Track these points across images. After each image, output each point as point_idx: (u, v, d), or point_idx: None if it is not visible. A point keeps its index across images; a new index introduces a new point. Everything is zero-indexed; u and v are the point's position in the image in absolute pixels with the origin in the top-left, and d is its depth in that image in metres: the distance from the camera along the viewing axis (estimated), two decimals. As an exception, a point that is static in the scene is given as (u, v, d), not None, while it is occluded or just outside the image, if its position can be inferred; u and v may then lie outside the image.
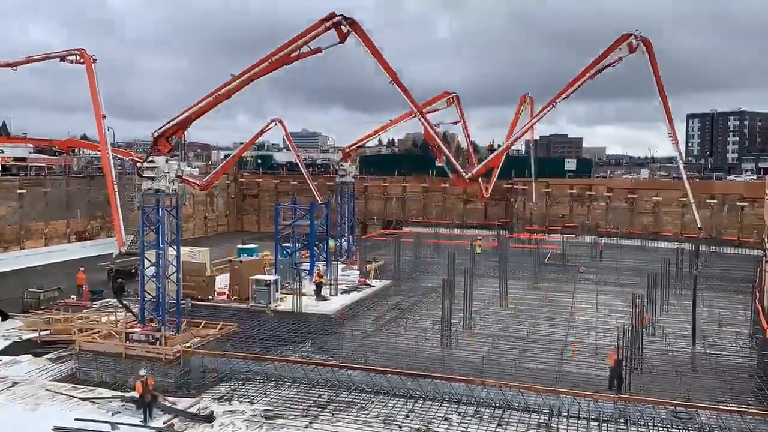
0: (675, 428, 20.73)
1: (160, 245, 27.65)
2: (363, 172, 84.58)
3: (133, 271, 42.47)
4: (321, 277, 38.01)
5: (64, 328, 31.03)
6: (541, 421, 21.48)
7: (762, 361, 26.88)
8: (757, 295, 38.10)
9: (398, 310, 37.37)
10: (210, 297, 36.79)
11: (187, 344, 26.69)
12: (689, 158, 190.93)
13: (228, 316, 32.22)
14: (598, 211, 75.16)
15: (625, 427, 21.06)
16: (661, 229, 70.99)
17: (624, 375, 23.86)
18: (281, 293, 36.25)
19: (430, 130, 39.33)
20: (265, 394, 24.02)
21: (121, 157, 63.22)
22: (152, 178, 27.35)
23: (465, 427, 21.09)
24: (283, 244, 42.34)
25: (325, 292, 37.43)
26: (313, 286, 37.90)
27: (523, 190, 77.63)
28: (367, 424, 21.23)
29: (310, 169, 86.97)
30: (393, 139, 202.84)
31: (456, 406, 22.68)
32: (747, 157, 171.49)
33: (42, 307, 35.60)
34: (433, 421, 21.51)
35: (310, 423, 21.23)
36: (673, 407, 21.54)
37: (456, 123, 65.21)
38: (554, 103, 41.00)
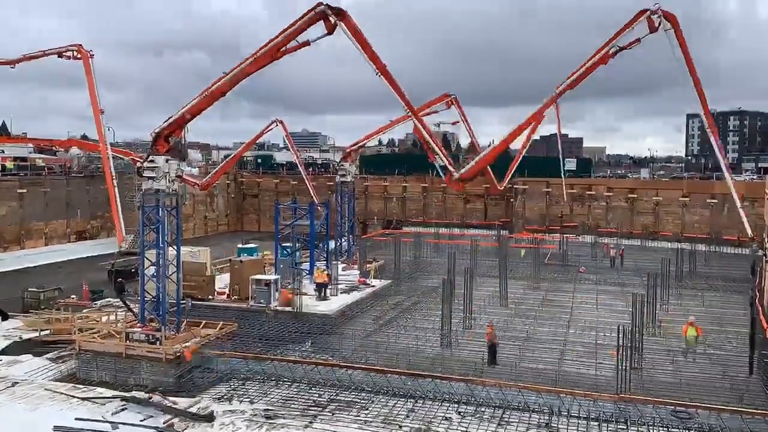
0: (675, 428, 20.72)
1: (160, 245, 27.65)
2: (363, 172, 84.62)
3: (133, 270, 42.46)
4: (324, 275, 37.72)
5: (64, 328, 31.06)
6: (541, 421, 21.48)
7: (762, 361, 26.86)
8: (757, 294, 38.10)
9: (398, 310, 37.37)
10: (210, 297, 36.81)
11: (188, 343, 26.68)
12: (689, 158, 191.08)
13: (228, 316, 32.23)
14: (598, 211, 75.17)
15: (625, 427, 21.06)
16: (661, 229, 70.99)
17: (496, 352, 25.50)
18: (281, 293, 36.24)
19: (419, 126, 36.94)
20: (265, 393, 24.02)
21: (121, 156, 63.32)
22: (152, 178, 27.36)
23: (465, 427, 21.09)
24: (283, 244, 42.33)
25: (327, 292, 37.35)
26: (314, 286, 37.88)
27: (523, 189, 77.64)
28: (367, 423, 21.22)
29: (310, 169, 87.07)
30: (393, 139, 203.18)
31: (456, 406, 22.68)
32: (747, 157, 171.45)
33: (42, 307, 35.60)
34: (433, 421, 21.51)
35: (310, 423, 21.22)
36: (673, 407, 21.55)
37: (456, 123, 65.35)
38: (560, 91, 36.25)
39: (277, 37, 28.46)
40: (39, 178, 61.68)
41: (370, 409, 22.46)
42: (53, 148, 73.66)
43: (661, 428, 20.86)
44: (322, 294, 37.10)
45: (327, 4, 29.03)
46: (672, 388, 24.15)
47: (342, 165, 54.03)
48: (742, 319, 35.28)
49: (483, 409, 22.30)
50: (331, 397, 23.53)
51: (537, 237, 64.81)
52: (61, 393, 23.87)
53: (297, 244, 42.33)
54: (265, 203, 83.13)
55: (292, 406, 22.78)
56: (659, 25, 34.01)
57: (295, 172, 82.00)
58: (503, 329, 32.93)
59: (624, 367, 22.94)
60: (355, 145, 55.78)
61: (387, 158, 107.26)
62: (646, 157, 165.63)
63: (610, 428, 21.02)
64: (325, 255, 43.81)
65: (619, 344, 23.24)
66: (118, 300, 33.75)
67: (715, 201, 68.91)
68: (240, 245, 49.81)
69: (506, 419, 21.63)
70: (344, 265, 47.14)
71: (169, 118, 27.79)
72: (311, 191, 70.81)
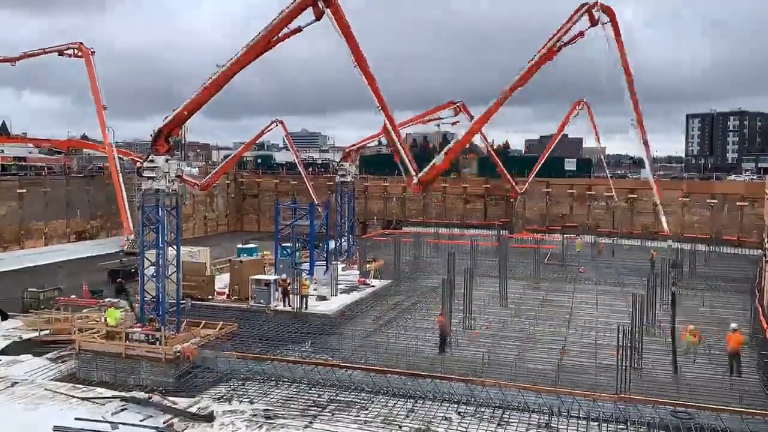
0: (675, 428, 20.71)
1: (160, 245, 27.63)
2: (363, 172, 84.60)
3: (133, 270, 42.45)
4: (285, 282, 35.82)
5: (64, 328, 31.04)
6: (541, 421, 21.47)
7: (762, 361, 26.87)
8: (757, 295, 38.13)
9: (398, 310, 37.36)
10: (210, 297, 36.80)
11: (189, 343, 26.66)
12: (689, 158, 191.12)
13: (228, 316, 32.23)
14: (598, 211, 75.19)
15: (624, 427, 21.05)
16: (661, 230, 70.93)
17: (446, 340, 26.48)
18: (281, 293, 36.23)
19: (389, 126, 36.14)
20: (265, 393, 24.01)
21: (121, 157, 63.34)
22: (152, 178, 27.34)
23: (465, 427, 21.08)
24: (283, 244, 42.32)
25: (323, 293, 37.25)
26: (313, 288, 37.79)
27: (523, 190, 77.60)
28: (367, 423, 21.20)
29: (310, 169, 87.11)
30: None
31: (456, 406, 22.67)
32: (747, 156, 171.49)
33: (42, 307, 35.58)
34: (432, 421, 21.49)
35: (310, 423, 21.21)
36: (673, 407, 21.54)
37: (455, 124, 65.34)
38: (510, 89, 36.24)
39: (269, 25, 28.39)
40: (39, 178, 61.68)
41: (369, 409, 22.45)
42: (53, 148, 73.64)
43: (661, 428, 20.84)
44: (304, 304, 35.23)
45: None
46: (672, 388, 24.15)
47: (342, 165, 54.03)
48: (742, 319, 35.26)
49: (483, 409, 22.28)
50: (331, 397, 23.51)
51: (537, 237, 64.84)
52: (61, 393, 23.86)
53: (297, 244, 42.32)
54: (264, 203, 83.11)
55: (292, 406, 22.76)
56: (599, 18, 34.43)
57: (295, 172, 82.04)
58: (503, 329, 32.95)
59: (624, 367, 22.95)
60: (355, 145, 55.79)
61: (387, 158, 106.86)
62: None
63: (610, 428, 21.00)
64: (325, 255, 43.79)
65: (619, 344, 23.24)
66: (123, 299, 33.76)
67: (715, 201, 68.95)
68: (240, 245, 49.82)
69: (506, 419, 21.61)
70: (344, 265, 47.13)
71: (167, 116, 27.76)
72: (311, 191, 70.84)
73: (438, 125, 69.00)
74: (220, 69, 27.75)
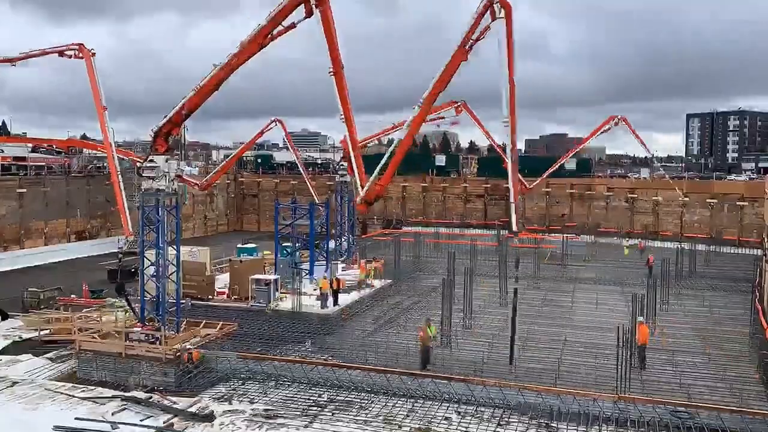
0: (675, 428, 20.72)
1: (160, 245, 27.63)
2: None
3: (132, 270, 42.42)
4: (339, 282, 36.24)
5: (64, 328, 31.04)
6: (541, 421, 21.47)
7: (762, 361, 26.87)
8: (757, 294, 38.12)
9: (398, 309, 37.36)
10: (210, 297, 36.79)
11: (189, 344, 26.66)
12: (689, 158, 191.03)
13: (228, 316, 32.23)
14: (598, 211, 75.22)
15: (625, 427, 21.05)
16: (661, 229, 71.02)
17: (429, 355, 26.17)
18: (281, 293, 36.27)
19: (348, 140, 35.84)
20: (265, 393, 24.01)
21: (121, 157, 63.29)
22: (152, 178, 27.33)
23: (465, 427, 21.08)
24: (283, 244, 42.33)
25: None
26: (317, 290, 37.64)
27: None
28: (367, 423, 21.21)
29: (310, 169, 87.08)
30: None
31: (456, 406, 22.67)
32: (747, 156, 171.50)
33: (42, 307, 35.58)
34: (432, 421, 21.49)
35: (310, 422, 21.21)
36: (673, 407, 21.54)
37: (455, 124, 65.56)
38: (431, 93, 36.65)
39: (263, 22, 28.34)
40: (39, 178, 61.66)
41: (369, 409, 22.45)
42: (53, 147, 73.62)
43: (661, 428, 20.85)
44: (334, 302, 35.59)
45: None
46: (672, 388, 24.16)
47: (342, 165, 53.98)
48: (742, 319, 35.29)
49: (483, 409, 22.29)
50: (331, 397, 23.52)
51: (537, 237, 64.85)
52: (61, 393, 23.86)
53: (297, 244, 42.33)
54: (264, 203, 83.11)
55: (292, 406, 22.76)
56: (499, 12, 34.22)
57: (295, 172, 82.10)
58: (503, 329, 32.92)
59: (625, 366, 22.96)
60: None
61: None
62: (646, 157, 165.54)
63: (610, 428, 21.00)
64: (325, 255, 43.78)
65: (618, 344, 23.24)
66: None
67: (715, 201, 68.97)
68: (240, 245, 49.81)
69: (506, 419, 21.61)
70: (344, 265, 47.12)
71: (165, 116, 27.77)
72: (311, 190, 70.87)
73: (438, 125, 69.20)
74: (216, 68, 27.75)
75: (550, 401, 22.26)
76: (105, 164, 63.99)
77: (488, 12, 34.22)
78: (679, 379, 24.89)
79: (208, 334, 28.35)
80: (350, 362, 26.23)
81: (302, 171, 75.44)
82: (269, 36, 28.61)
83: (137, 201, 29.05)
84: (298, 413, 22.02)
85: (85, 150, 73.92)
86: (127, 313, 30.30)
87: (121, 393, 23.78)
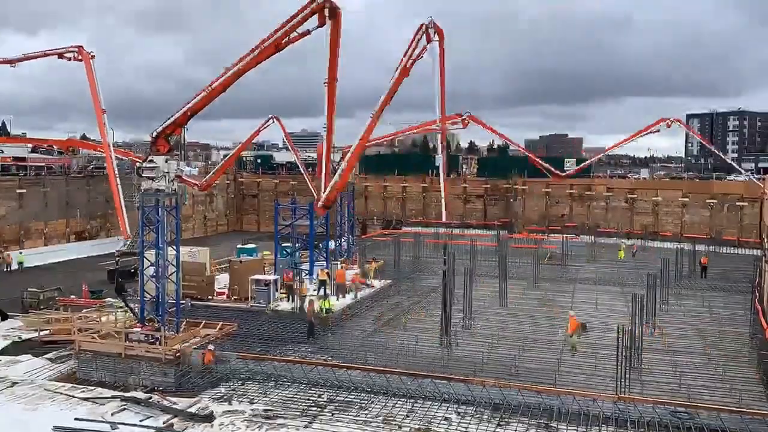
0: (675, 428, 20.71)
1: (160, 245, 27.62)
2: (363, 172, 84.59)
3: (132, 270, 42.42)
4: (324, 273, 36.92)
5: (64, 328, 31.03)
6: (541, 421, 21.46)
7: (762, 361, 26.87)
8: (757, 294, 38.11)
9: (398, 309, 37.35)
10: (209, 297, 36.77)
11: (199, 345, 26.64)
12: (689, 158, 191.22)
13: (228, 316, 32.22)
14: (598, 211, 75.22)
15: (625, 427, 21.04)
16: (661, 229, 71.02)
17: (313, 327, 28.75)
18: (281, 293, 36.25)
19: (324, 149, 37.90)
20: (264, 394, 24.00)
21: (121, 157, 63.30)
22: (152, 178, 27.32)
23: (465, 427, 21.08)
24: (283, 244, 42.31)
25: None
26: (312, 288, 37.70)
27: (523, 190, 77.69)
28: (367, 423, 21.21)
29: (310, 169, 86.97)
30: (393, 139, 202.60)
31: (456, 406, 22.66)
32: (747, 157, 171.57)
33: (41, 307, 35.58)
34: (432, 421, 21.49)
35: (310, 423, 21.21)
36: (673, 407, 21.54)
37: (455, 124, 65.74)
38: (380, 108, 40.23)
39: (279, 29, 28.40)
40: (38, 178, 61.64)
41: (369, 409, 22.44)
42: (53, 148, 73.63)
43: (660, 428, 20.84)
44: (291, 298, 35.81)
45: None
46: (672, 388, 24.15)
47: (342, 165, 53.89)
48: (741, 319, 35.30)
49: (483, 410, 22.28)
50: (331, 397, 23.52)
51: (537, 237, 64.86)
52: (61, 393, 23.86)
53: (297, 244, 42.31)
54: (264, 203, 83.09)
55: (292, 406, 22.76)
56: (434, 35, 38.95)
57: (295, 172, 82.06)
58: (502, 329, 32.94)
59: (624, 366, 22.95)
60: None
61: (387, 158, 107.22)
62: (646, 157, 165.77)
63: (609, 428, 21.00)
64: (324, 255, 43.77)
65: (618, 344, 23.24)
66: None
67: (715, 201, 68.97)
68: (239, 245, 49.79)
69: (506, 419, 21.61)
70: (344, 265, 47.04)
71: (169, 117, 27.73)
72: (312, 190, 70.72)
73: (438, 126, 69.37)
74: (226, 71, 27.76)
75: (550, 401, 22.26)
76: (105, 164, 63.96)
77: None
78: (679, 380, 24.87)
79: (208, 335, 28.35)
80: (350, 362, 26.22)
81: (302, 171, 75.38)
82: (285, 41, 28.70)
83: (137, 201, 29.02)
84: (298, 413, 22.03)
85: (84, 150, 73.92)
86: (127, 314, 30.32)
87: (121, 393, 23.79)
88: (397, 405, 22.74)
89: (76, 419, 21.18)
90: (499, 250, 46.98)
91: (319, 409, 22.39)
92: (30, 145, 71.01)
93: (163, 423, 21.17)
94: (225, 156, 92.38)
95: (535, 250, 52.15)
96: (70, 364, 27.39)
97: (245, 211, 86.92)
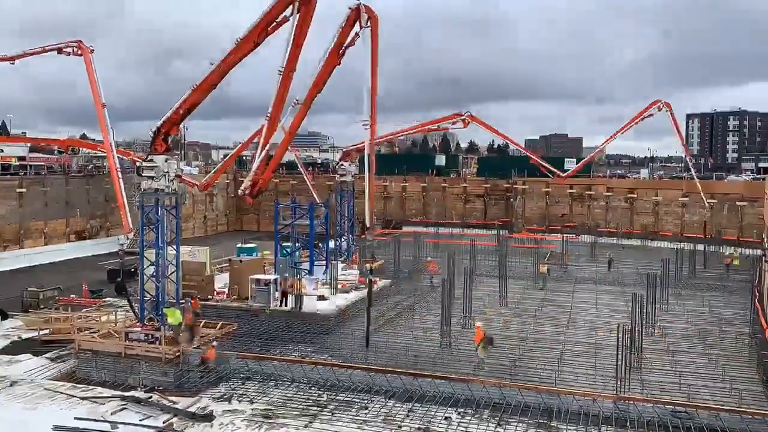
0: (674, 428, 20.71)
1: (160, 245, 27.59)
2: (363, 172, 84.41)
3: (132, 270, 42.42)
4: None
5: (64, 328, 31.01)
6: (541, 421, 21.46)
7: (762, 361, 26.88)
8: (757, 294, 38.13)
9: (398, 309, 37.34)
10: (209, 297, 36.74)
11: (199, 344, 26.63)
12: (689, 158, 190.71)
13: (228, 316, 32.21)
14: (598, 210, 75.22)
15: (624, 427, 21.04)
16: (661, 229, 71.02)
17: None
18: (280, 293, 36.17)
19: (263, 135, 36.84)
20: (264, 393, 23.99)
21: (122, 156, 63.27)
22: (151, 177, 27.30)
23: (465, 427, 21.07)
24: (283, 244, 42.30)
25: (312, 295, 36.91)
26: (312, 287, 37.66)
27: (523, 189, 77.67)
28: (367, 423, 21.20)
29: (310, 169, 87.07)
30: (393, 139, 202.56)
31: (456, 405, 22.65)
32: (747, 156, 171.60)
33: (41, 307, 35.56)
34: (432, 421, 21.49)
35: (310, 422, 21.21)
36: (672, 407, 21.54)
37: (455, 124, 65.80)
38: (307, 100, 37.81)
39: (254, 21, 27.97)
40: (39, 178, 61.60)
41: (369, 409, 22.44)
42: (54, 147, 73.57)
43: (660, 428, 20.84)
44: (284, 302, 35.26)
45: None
46: (672, 388, 24.15)
47: (342, 165, 53.97)
48: (741, 319, 35.31)
49: (483, 409, 22.28)
50: (331, 397, 23.51)
51: (537, 237, 64.86)
52: (61, 392, 23.85)
53: (297, 244, 42.29)
54: (264, 203, 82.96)
55: (292, 406, 22.75)
56: (367, 21, 36.04)
57: (295, 172, 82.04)
58: (502, 329, 32.93)
59: (624, 366, 22.95)
60: (355, 145, 55.68)
61: (387, 158, 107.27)
62: (646, 157, 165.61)
63: (609, 428, 20.99)
64: (324, 255, 43.76)
65: (618, 344, 23.24)
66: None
67: (715, 201, 68.94)
68: (239, 245, 49.76)
69: (506, 419, 21.61)
70: (344, 264, 47.08)
71: (164, 116, 27.70)
72: (311, 189, 70.83)
73: (438, 125, 69.42)
74: (213, 66, 27.62)
75: (550, 401, 22.26)
76: (104, 164, 63.96)
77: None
78: (679, 379, 24.89)
79: (208, 334, 28.33)
80: (350, 362, 26.21)
81: (302, 171, 75.38)
82: (264, 33, 28.54)
83: (137, 201, 29.00)
84: (298, 413, 22.02)
85: (83, 149, 73.84)
86: (128, 313, 30.30)
87: (121, 393, 23.78)
88: (397, 405, 22.73)
89: (75, 419, 21.17)
90: (499, 250, 46.96)
91: (319, 409, 22.38)
92: (29, 145, 71.00)
93: (163, 423, 21.16)
94: (225, 156, 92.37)
95: (535, 250, 52.18)
96: (70, 364, 27.37)
97: (245, 211, 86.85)
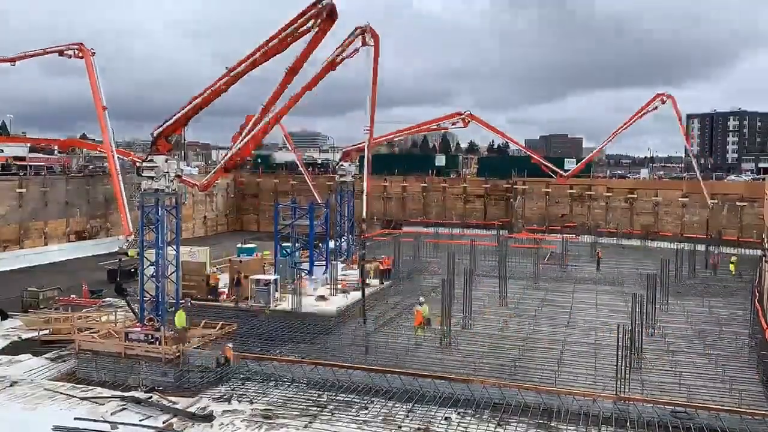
0: (674, 428, 20.71)
1: (160, 245, 27.60)
2: (363, 172, 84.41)
3: (132, 270, 42.41)
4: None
5: (64, 328, 31.01)
6: (541, 421, 21.46)
7: (762, 361, 26.87)
8: (757, 295, 38.12)
9: (398, 309, 37.34)
10: (209, 297, 36.71)
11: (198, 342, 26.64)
12: (689, 158, 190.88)
13: (227, 316, 32.20)
14: (598, 211, 75.20)
15: (624, 427, 21.04)
16: (661, 229, 71.01)
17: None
18: (280, 293, 36.21)
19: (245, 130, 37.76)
20: (264, 393, 24.00)
21: (122, 157, 63.29)
22: (152, 178, 27.30)
23: (465, 427, 21.07)
24: (283, 244, 42.30)
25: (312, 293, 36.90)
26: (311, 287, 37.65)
27: (523, 189, 77.65)
28: (367, 423, 21.21)
29: (310, 169, 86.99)
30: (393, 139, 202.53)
31: (456, 406, 22.65)
32: (747, 157, 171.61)
33: (41, 307, 35.55)
34: (432, 421, 21.49)
35: (310, 422, 21.21)
36: (672, 407, 21.54)
37: (455, 124, 65.81)
38: (296, 97, 37.75)
39: (281, 31, 28.28)
40: (39, 178, 61.56)
41: (369, 409, 22.44)
42: (54, 147, 73.63)
43: (660, 428, 20.84)
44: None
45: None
46: (671, 388, 24.15)
47: (341, 165, 53.97)
48: (741, 319, 35.30)
49: (483, 410, 22.28)
50: (331, 397, 23.51)
51: (537, 237, 64.86)
52: (61, 393, 23.86)
53: (297, 244, 42.29)
54: (264, 203, 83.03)
55: (292, 406, 22.76)
56: (369, 39, 39.72)
57: (295, 172, 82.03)
58: (502, 329, 32.94)
59: (624, 366, 22.94)
60: (355, 145, 55.68)
61: (387, 158, 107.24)
62: (646, 157, 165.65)
63: (609, 428, 21.00)
64: (324, 255, 43.76)
65: (618, 344, 23.23)
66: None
67: (716, 201, 68.91)
68: (239, 245, 49.76)
69: (506, 419, 21.61)
70: (344, 265, 47.07)
71: (170, 118, 27.69)
72: (312, 189, 70.81)
73: (437, 125, 69.42)
74: (228, 72, 27.65)
75: (550, 401, 22.26)
76: (104, 164, 63.94)
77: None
78: (679, 380, 24.88)
79: (208, 334, 28.33)
80: (350, 362, 26.21)
81: (303, 171, 75.36)
82: (283, 44, 28.65)
83: (137, 201, 28.99)
84: (298, 413, 22.02)
85: (82, 149, 73.83)
86: (127, 313, 30.30)
87: (121, 393, 23.78)
88: (397, 405, 22.73)
89: (75, 419, 21.18)
90: (499, 250, 46.96)
91: (319, 409, 22.38)
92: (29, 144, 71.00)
93: (163, 423, 21.16)
94: (225, 156, 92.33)
95: (535, 250, 52.17)
96: (70, 364, 27.37)
97: (245, 211, 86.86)
